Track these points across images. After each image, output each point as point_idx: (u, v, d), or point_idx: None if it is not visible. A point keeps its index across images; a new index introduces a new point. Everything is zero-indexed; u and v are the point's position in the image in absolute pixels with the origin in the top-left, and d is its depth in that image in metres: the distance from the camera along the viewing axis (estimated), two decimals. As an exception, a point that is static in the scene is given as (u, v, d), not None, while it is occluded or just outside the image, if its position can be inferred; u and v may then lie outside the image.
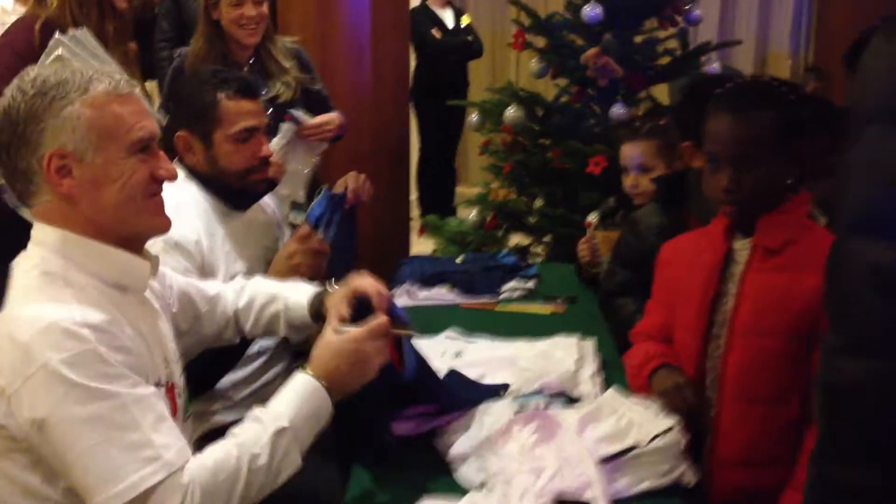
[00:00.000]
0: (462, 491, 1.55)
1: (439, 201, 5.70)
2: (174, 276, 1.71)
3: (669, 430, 1.62)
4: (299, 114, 2.89)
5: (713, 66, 3.74)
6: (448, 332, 2.26)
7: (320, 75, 3.09)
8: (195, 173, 2.10)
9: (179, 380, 1.52)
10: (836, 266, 1.10)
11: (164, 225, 1.45)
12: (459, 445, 1.66)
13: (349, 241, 2.38)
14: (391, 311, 1.64)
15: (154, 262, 1.48)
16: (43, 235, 1.38)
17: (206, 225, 2.05)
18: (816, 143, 1.76)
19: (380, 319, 1.54)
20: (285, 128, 2.84)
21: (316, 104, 2.99)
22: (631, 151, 2.53)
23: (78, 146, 1.33)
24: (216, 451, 1.32)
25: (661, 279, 1.93)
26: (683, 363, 1.80)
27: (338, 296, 1.66)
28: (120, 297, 1.39)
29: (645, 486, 1.58)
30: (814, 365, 1.61)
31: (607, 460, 1.58)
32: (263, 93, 2.73)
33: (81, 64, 1.41)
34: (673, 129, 2.38)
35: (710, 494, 1.72)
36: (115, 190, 1.36)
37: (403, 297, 2.55)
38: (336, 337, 1.50)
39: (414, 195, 5.32)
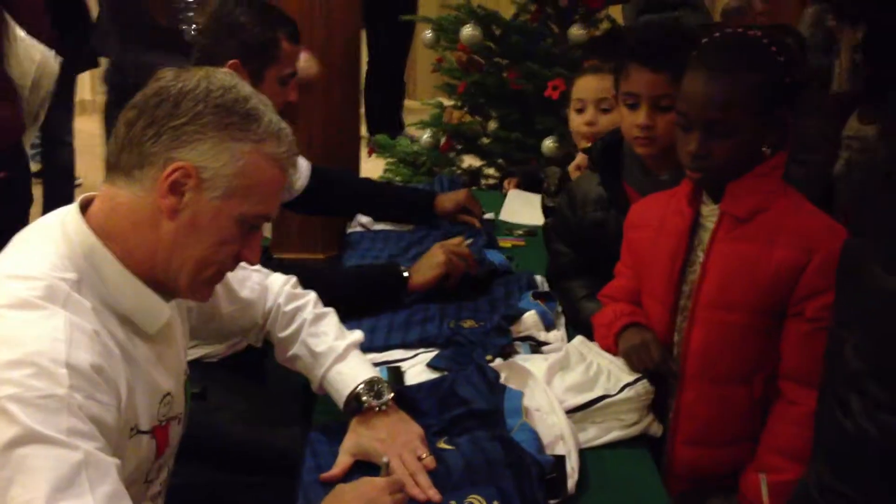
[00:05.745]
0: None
1: (386, 116, 5.58)
2: None
3: (639, 379, 1.59)
4: None
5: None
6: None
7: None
8: None
9: (181, 406, 1.37)
10: (882, 312, 1.00)
11: (204, 298, 1.32)
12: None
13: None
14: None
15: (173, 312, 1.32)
16: (77, 232, 1.20)
17: None
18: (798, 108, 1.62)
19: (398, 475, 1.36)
20: None
21: None
22: (593, 84, 2.23)
23: (214, 180, 1.19)
24: None
25: (627, 242, 1.79)
26: None
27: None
28: (126, 329, 1.23)
29: (613, 436, 1.57)
30: (783, 343, 1.55)
31: (575, 410, 1.55)
32: None
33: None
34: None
35: (670, 471, 1.66)
36: (202, 245, 1.22)
37: (356, 227, 2.54)
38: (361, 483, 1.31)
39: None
